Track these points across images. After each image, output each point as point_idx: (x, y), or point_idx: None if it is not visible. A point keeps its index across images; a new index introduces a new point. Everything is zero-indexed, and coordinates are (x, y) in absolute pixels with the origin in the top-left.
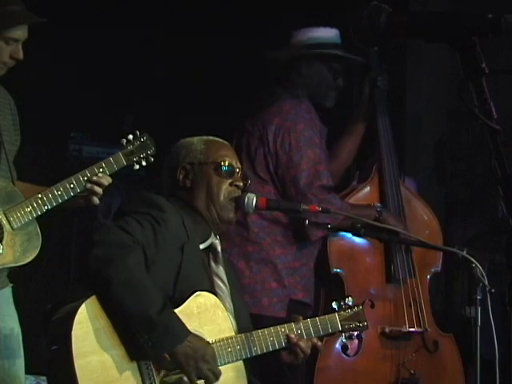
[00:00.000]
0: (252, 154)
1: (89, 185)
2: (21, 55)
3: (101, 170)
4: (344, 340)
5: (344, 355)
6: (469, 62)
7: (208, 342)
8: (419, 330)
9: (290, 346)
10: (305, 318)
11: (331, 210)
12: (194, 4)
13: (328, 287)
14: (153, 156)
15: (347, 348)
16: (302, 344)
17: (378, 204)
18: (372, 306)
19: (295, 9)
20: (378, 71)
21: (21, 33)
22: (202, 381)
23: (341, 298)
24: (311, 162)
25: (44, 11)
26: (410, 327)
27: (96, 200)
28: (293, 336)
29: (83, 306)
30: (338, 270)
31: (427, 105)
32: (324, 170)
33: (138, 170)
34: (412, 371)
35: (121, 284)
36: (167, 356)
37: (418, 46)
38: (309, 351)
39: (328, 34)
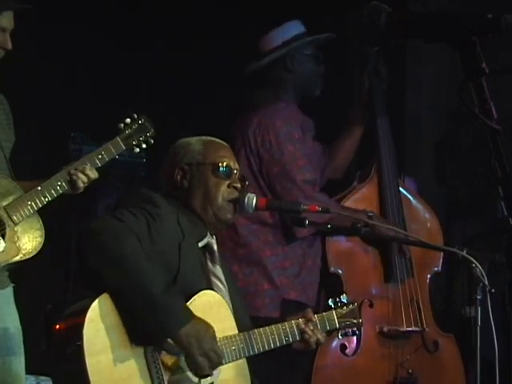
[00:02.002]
0: (235, 156)
1: (72, 170)
2: (9, 45)
3: (99, 157)
4: (340, 337)
5: (342, 354)
6: (469, 61)
7: (209, 324)
8: (417, 329)
9: (302, 335)
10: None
11: (334, 210)
12: (194, 4)
13: (327, 286)
14: (152, 138)
15: (345, 347)
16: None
17: (370, 210)
18: (371, 306)
19: (295, 9)
20: (377, 63)
21: (7, 21)
22: (208, 378)
23: (336, 295)
24: (292, 157)
25: (45, 11)
26: (407, 326)
27: (79, 187)
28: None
29: (94, 303)
30: (337, 270)
31: (427, 105)
32: (305, 164)
33: (139, 152)
34: (410, 371)
35: (122, 269)
36: (171, 340)
37: (418, 46)
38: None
39: (297, 26)
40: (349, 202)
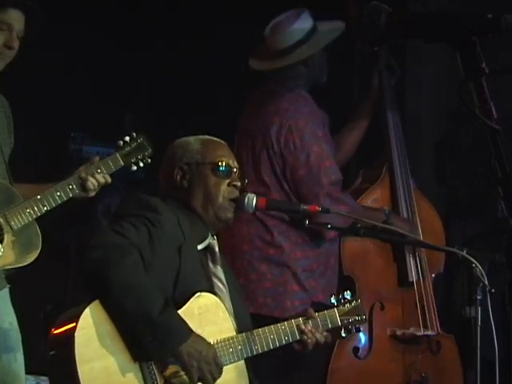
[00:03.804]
0: (256, 157)
1: (83, 174)
2: (14, 44)
3: (98, 171)
4: (343, 335)
5: (355, 357)
6: (469, 62)
7: (210, 343)
8: (433, 333)
9: (301, 335)
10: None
11: (335, 210)
12: (194, 4)
13: (340, 287)
14: (150, 157)
15: (358, 350)
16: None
17: (386, 208)
18: (382, 308)
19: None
20: (387, 62)
21: (13, 20)
22: None
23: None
24: (318, 159)
25: (45, 11)
26: (424, 330)
27: (89, 193)
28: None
29: (86, 311)
30: (351, 273)
31: (427, 105)
32: (331, 165)
33: (135, 171)
34: (423, 374)
35: (120, 286)
36: (171, 356)
37: (418, 46)
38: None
39: (308, 18)
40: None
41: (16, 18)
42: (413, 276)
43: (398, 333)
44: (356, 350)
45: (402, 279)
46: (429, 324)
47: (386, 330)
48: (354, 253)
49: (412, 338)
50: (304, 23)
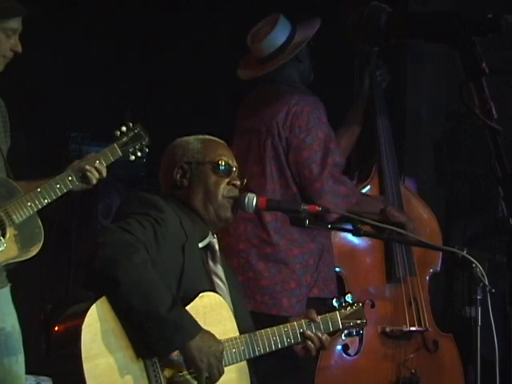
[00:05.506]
0: (261, 150)
1: (82, 164)
2: (20, 48)
3: (97, 162)
4: (343, 338)
5: (345, 355)
6: (469, 62)
7: (218, 339)
8: (420, 328)
9: (304, 339)
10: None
11: (335, 211)
12: (194, 4)
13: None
14: (147, 147)
15: (348, 347)
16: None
17: (384, 198)
18: (372, 306)
19: (297, 9)
20: (377, 64)
21: (17, 23)
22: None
23: (341, 295)
24: (323, 142)
25: (44, 12)
26: (411, 326)
27: (92, 181)
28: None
29: (93, 307)
30: (339, 269)
31: (427, 105)
32: (336, 146)
33: (133, 160)
34: (413, 371)
35: (129, 283)
36: (179, 352)
37: (418, 46)
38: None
39: (286, 22)
40: None
41: (18, 22)
42: (399, 272)
43: (388, 329)
44: (346, 347)
45: (390, 275)
46: (416, 321)
47: (376, 328)
48: (341, 251)
49: (400, 333)
50: (285, 24)
